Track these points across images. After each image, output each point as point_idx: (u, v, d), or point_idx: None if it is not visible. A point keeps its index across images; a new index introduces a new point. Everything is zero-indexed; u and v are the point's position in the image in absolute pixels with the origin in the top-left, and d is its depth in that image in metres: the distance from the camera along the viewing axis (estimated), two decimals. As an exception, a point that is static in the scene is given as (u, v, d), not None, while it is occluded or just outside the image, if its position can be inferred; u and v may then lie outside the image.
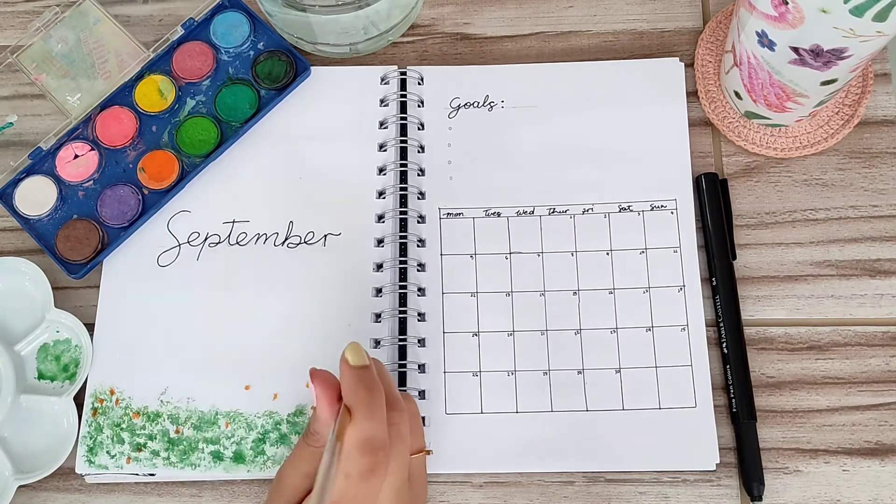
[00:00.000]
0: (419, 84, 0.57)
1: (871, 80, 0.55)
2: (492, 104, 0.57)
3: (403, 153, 0.56)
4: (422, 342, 0.53)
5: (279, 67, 0.57)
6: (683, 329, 0.52)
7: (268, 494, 0.44)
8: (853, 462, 0.50)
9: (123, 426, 0.51)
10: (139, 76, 0.57)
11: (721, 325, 0.52)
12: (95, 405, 0.52)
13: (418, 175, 0.56)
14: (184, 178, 0.55)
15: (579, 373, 0.52)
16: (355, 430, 0.39)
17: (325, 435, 0.41)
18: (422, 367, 0.52)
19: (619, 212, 0.55)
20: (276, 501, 0.42)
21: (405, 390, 0.51)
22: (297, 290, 0.54)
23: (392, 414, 0.41)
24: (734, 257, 0.53)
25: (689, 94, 0.57)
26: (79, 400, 0.52)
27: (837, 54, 0.45)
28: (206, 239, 0.55)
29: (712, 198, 0.54)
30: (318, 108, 0.57)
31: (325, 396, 0.41)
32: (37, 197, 0.55)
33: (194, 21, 0.58)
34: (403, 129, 0.57)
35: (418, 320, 0.53)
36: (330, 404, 0.41)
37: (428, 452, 0.47)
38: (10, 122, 0.58)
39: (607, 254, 0.54)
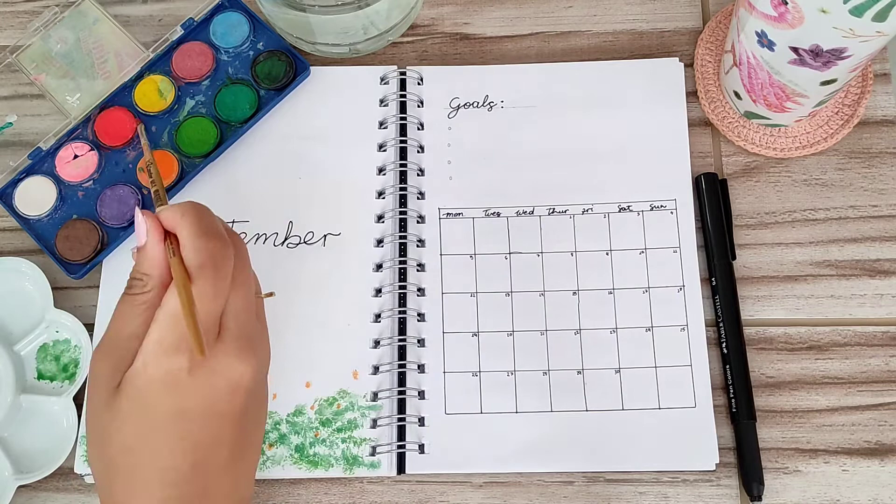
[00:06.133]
0: (419, 84, 0.57)
1: (871, 80, 0.55)
2: (491, 104, 0.57)
3: (403, 153, 0.56)
4: (421, 342, 0.53)
5: (279, 67, 0.57)
6: (683, 329, 0.52)
7: (89, 376, 0.40)
8: (853, 462, 0.50)
9: (123, 426, 0.51)
10: (138, 76, 0.57)
11: (721, 325, 0.52)
12: (95, 405, 0.52)
13: (418, 175, 0.56)
14: (183, 178, 0.55)
15: (579, 373, 0.52)
16: (192, 222, 0.38)
17: (157, 276, 0.39)
18: (421, 367, 0.52)
19: (619, 212, 0.54)
20: (101, 376, 0.38)
21: (404, 390, 0.51)
22: (296, 290, 0.54)
23: (233, 238, 0.41)
24: (734, 257, 0.53)
25: (688, 94, 0.57)
26: (78, 400, 0.52)
27: (837, 54, 0.45)
28: (205, 239, 0.55)
29: (712, 198, 0.54)
30: (318, 109, 0.57)
31: (157, 229, 0.39)
32: (36, 197, 0.55)
33: (194, 21, 0.58)
34: (403, 130, 0.57)
35: (418, 320, 0.53)
36: (160, 237, 0.39)
37: (270, 295, 0.44)
38: (10, 122, 0.58)
39: (607, 254, 0.54)
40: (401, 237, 0.54)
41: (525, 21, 0.59)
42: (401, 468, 0.50)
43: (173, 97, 0.57)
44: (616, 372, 0.52)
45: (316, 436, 0.51)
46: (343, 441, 0.51)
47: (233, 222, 0.55)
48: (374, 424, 0.51)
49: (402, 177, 0.56)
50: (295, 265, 0.54)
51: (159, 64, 0.58)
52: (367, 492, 0.51)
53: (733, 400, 0.51)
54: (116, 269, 0.54)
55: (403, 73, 0.58)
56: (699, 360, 0.51)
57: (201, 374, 0.38)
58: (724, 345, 0.52)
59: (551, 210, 0.55)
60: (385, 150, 0.56)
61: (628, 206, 0.55)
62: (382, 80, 0.58)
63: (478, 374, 0.52)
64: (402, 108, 0.57)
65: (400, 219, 0.55)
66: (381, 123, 0.57)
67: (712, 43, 0.57)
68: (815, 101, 0.51)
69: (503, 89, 0.57)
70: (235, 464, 0.40)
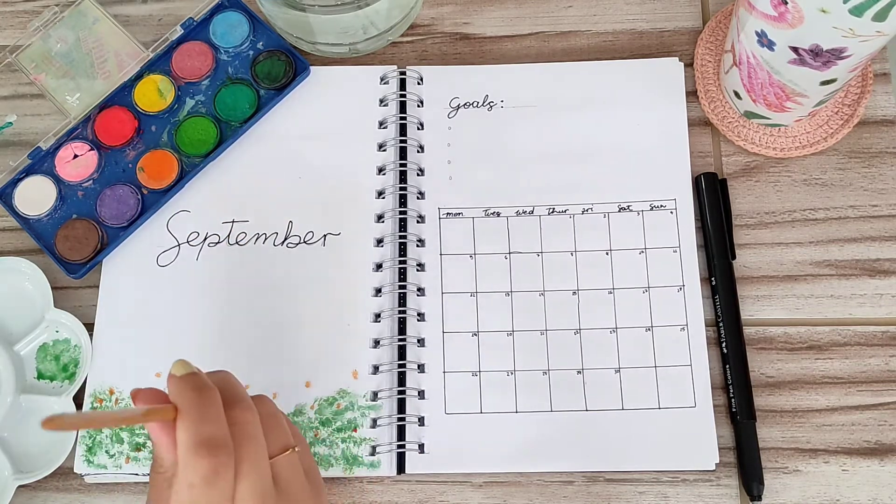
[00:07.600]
0: (419, 84, 0.57)
1: (871, 79, 0.55)
2: (491, 104, 0.57)
3: (403, 153, 0.56)
4: (421, 342, 0.53)
5: (278, 67, 0.57)
6: (683, 329, 0.52)
7: None
8: (853, 462, 0.50)
9: (123, 426, 0.51)
10: (138, 76, 0.57)
11: (720, 324, 0.52)
12: (95, 405, 0.52)
13: (418, 175, 0.56)
14: (183, 177, 0.55)
15: (579, 373, 0.52)
16: (186, 433, 0.36)
17: (169, 460, 0.38)
18: (421, 367, 0.52)
19: (619, 212, 0.54)
20: None
21: (403, 390, 0.51)
22: (296, 290, 0.54)
23: (234, 413, 0.38)
24: (733, 257, 0.53)
25: (688, 93, 0.57)
26: (78, 400, 0.52)
27: (837, 54, 0.45)
28: (205, 239, 0.55)
29: (712, 197, 0.54)
30: (318, 108, 0.57)
31: (158, 427, 0.38)
32: (36, 197, 0.55)
33: (194, 21, 0.58)
34: (403, 129, 0.57)
35: (418, 320, 0.53)
36: (161, 429, 0.37)
37: (293, 450, 0.41)
38: (10, 122, 0.58)
39: (607, 254, 0.54)
40: (401, 237, 0.54)
41: (525, 21, 0.59)
42: (401, 468, 0.50)
43: (173, 97, 0.57)
44: (616, 372, 0.52)
45: (316, 436, 0.51)
46: (343, 441, 0.51)
47: (233, 222, 0.55)
48: (374, 424, 0.51)
49: (402, 176, 0.56)
50: (295, 265, 0.54)
51: (159, 64, 0.58)
52: (367, 492, 0.51)
53: (733, 400, 0.51)
54: (116, 269, 0.54)
55: (403, 73, 0.58)
56: (699, 360, 0.51)
57: None
58: (723, 344, 0.52)
59: (551, 210, 0.55)
60: (385, 150, 0.56)
61: (628, 206, 0.55)
62: (382, 79, 0.58)
63: (478, 373, 0.52)
64: (402, 107, 0.57)
65: (400, 219, 0.55)
66: (381, 123, 0.57)
67: (712, 43, 0.57)
68: (815, 100, 0.51)
69: (503, 89, 0.57)
70: None
